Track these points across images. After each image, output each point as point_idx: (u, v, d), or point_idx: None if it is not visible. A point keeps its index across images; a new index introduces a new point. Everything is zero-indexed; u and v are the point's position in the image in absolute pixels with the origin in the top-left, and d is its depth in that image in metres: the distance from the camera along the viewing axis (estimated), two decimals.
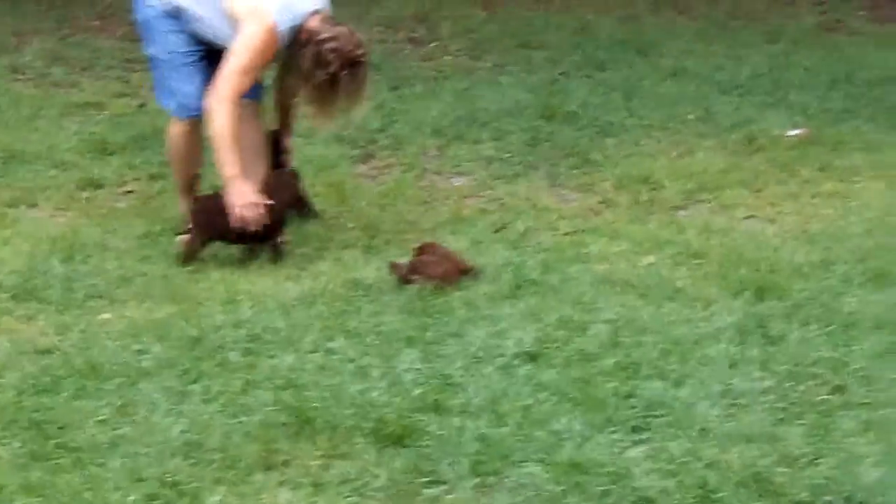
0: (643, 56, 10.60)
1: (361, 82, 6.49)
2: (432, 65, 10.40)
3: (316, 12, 6.52)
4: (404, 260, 6.32)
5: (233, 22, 6.48)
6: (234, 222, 6.40)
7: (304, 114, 6.66)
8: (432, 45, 10.98)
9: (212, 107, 6.45)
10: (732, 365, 5.44)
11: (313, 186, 7.26)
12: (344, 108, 6.52)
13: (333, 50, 6.40)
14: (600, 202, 7.62)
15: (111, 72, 9.77)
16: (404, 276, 6.20)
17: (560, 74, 10.09)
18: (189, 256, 6.47)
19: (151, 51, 6.75)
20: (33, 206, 7.25)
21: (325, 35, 6.43)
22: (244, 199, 6.41)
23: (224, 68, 6.45)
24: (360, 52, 6.46)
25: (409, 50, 10.79)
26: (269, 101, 7.01)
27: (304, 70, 6.43)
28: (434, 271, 6.21)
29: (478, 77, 10.02)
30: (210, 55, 6.68)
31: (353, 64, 6.42)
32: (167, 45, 6.68)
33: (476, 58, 10.66)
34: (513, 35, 11.19)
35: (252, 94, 6.76)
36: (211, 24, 6.57)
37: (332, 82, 6.40)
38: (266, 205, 6.43)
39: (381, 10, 11.72)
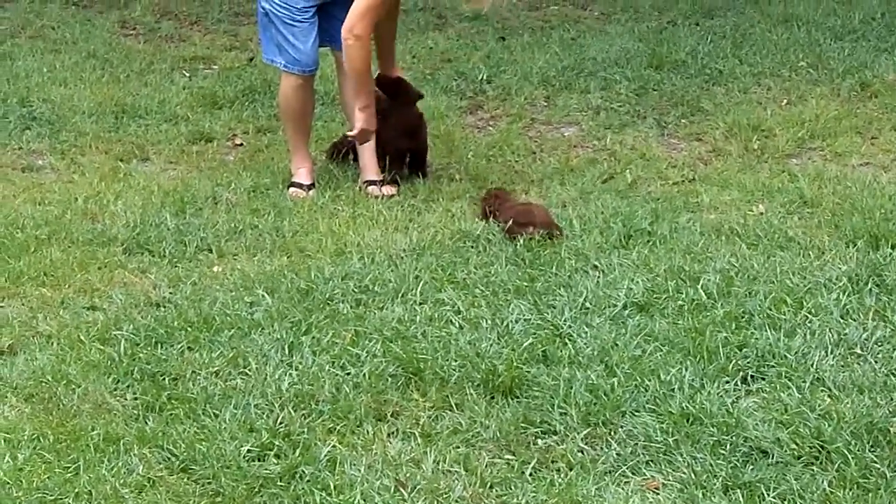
0: (752, 3, 10.44)
1: None
2: (539, 14, 10.33)
3: None
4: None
5: None
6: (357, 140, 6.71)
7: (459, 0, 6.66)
8: None
9: (348, 43, 6.52)
10: (846, 314, 5.35)
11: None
12: None
13: None
14: (710, 151, 7.54)
15: (220, 26, 9.82)
16: (509, 227, 6.17)
17: (668, 23, 9.98)
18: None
19: (265, 4, 6.77)
20: (145, 159, 7.32)
21: None
22: (369, 125, 6.62)
23: (356, 4, 6.48)
24: None
25: (516, 0, 10.72)
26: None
27: None
28: (542, 218, 6.19)
29: (585, 26, 9.94)
30: (323, 9, 6.69)
31: None
32: (282, 1, 6.69)
33: (583, 7, 10.58)
34: None
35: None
36: None
37: None
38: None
39: None
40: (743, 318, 5.33)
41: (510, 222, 6.16)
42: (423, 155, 7.02)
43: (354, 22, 6.50)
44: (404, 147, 6.95)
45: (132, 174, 7.06)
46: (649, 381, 4.83)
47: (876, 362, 4.99)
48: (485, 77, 8.58)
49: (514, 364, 4.94)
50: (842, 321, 5.30)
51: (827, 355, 5.02)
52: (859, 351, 5.08)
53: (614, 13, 10.30)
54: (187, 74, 8.66)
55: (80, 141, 7.46)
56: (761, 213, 6.50)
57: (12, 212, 6.46)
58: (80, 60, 8.73)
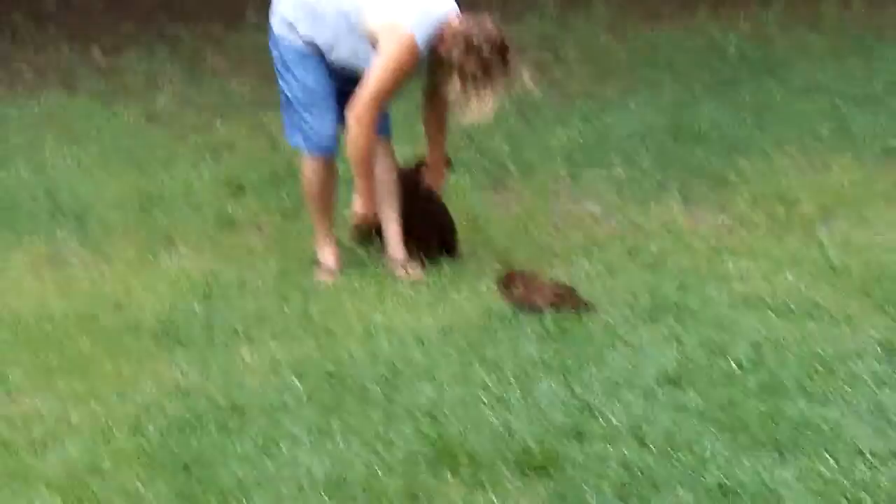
0: (773, 73, 10.46)
1: (513, 65, 6.52)
2: (559, 90, 10.38)
3: (452, 12, 6.56)
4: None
5: (372, 40, 6.53)
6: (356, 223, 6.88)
7: (458, 110, 6.63)
8: (559, 70, 10.95)
9: (350, 126, 6.56)
10: (880, 382, 5.32)
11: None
12: (497, 94, 6.53)
13: (481, 36, 6.46)
14: (735, 221, 7.54)
15: (243, 112, 9.89)
16: (527, 303, 6.17)
17: (689, 95, 10.00)
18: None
19: (285, 88, 6.82)
20: (171, 247, 7.35)
21: (470, 26, 6.49)
22: (369, 210, 6.75)
23: (362, 89, 6.52)
24: (504, 35, 6.53)
25: (536, 76, 10.76)
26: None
27: (454, 62, 6.45)
28: (570, 294, 6.20)
29: (605, 100, 9.97)
30: (342, 92, 6.74)
31: (501, 46, 6.46)
32: (302, 83, 6.74)
33: (603, 81, 10.62)
34: (639, 57, 11.13)
35: (383, 129, 6.82)
36: (349, 48, 6.61)
37: (486, 70, 6.44)
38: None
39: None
40: (775, 388, 5.30)
41: (536, 300, 6.15)
42: (451, 236, 7.02)
43: (357, 107, 6.55)
44: (431, 229, 6.96)
45: (159, 263, 7.08)
46: (683, 454, 4.80)
47: None
48: (507, 154, 8.60)
49: (547, 441, 4.92)
50: (876, 389, 5.27)
51: (862, 424, 4.99)
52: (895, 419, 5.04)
53: (634, 86, 10.33)
54: (211, 162, 8.70)
55: (107, 232, 7.50)
56: (789, 282, 6.48)
57: (41, 305, 6.48)
58: (105, 152, 8.79)
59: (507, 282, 6.33)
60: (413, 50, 6.48)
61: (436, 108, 6.87)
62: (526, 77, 6.79)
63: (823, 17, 12.55)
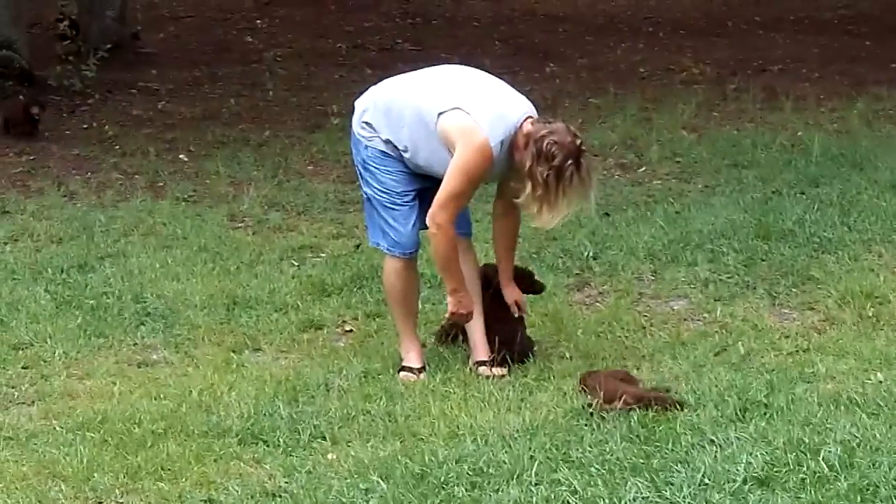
0: (859, 170, 10.40)
1: (587, 173, 6.52)
2: (642, 189, 10.38)
3: (528, 116, 6.58)
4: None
5: (447, 143, 6.58)
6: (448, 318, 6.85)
7: (530, 215, 6.63)
8: (641, 170, 10.96)
9: (430, 232, 6.64)
10: None
11: (529, 316, 7.25)
12: (570, 202, 6.52)
13: (555, 143, 6.46)
14: (823, 320, 7.47)
15: (327, 214, 9.96)
16: (615, 401, 6.14)
17: (773, 192, 9.96)
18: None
19: (367, 190, 6.88)
20: (257, 349, 7.38)
21: (544, 131, 6.50)
22: (462, 307, 6.73)
23: (440, 192, 6.58)
24: (580, 142, 6.52)
25: (619, 176, 10.79)
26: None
27: (527, 169, 6.47)
28: (642, 393, 6.18)
29: (689, 199, 9.95)
30: (422, 194, 6.78)
31: (576, 155, 6.46)
32: (383, 185, 6.80)
33: (686, 180, 10.61)
34: (722, 155, 11.12)
35: (463, 228, 6.85)
36: (427, 151, 6.66)
37: (558, 176, 6.44)
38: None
39: (589, 137, 11.73)
40: (868, 490, 5.21)
41: (624, 398, 6.12)
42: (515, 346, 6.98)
43: (436, 211, 6.61)
44: (512, 329, 6.95)
45: (245, 364, 7.12)
46: None
47: None
48: (591, 254, 8.59)
49: None
50: None
51: None
52: None
53: (718, 185, 10.31)
54: (296, 263, 8.77)
55: (193, 334, 7.56)
56: (880, 382, 6.40)
57: (129, 407, 6.53)
58: (191, 255, 8.88)
59: (594, 381, 6.30)
60: (487, 154, 6.52)
61: (507, 217, 6.88)
62: (593, 196, 6.74)
63: None
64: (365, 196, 6.93)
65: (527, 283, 7.19)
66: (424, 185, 6.75)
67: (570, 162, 6.44)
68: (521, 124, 6.56)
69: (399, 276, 6.92)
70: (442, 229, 6.59)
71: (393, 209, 6.81)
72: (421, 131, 6.65)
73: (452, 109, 6.57)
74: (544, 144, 6.45)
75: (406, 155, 6.73)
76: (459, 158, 6.54)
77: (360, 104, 6.90)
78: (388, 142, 6.75)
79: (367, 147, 6.82)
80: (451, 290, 6.74)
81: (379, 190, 6.82)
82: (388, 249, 6.88)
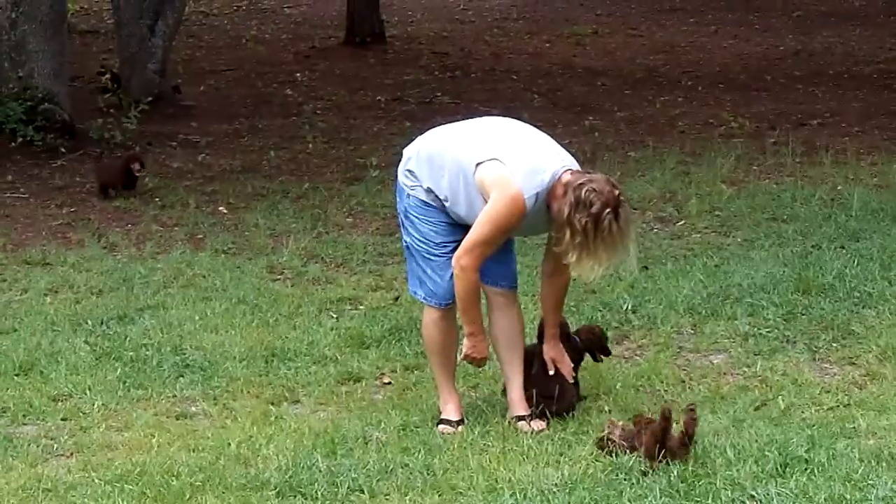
0: None
1: (626, 223, 6.51)
2: (681, 243, 10.36)
3: (567, 169, 6.59)
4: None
5: (484, 193, 6.62)
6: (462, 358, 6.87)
7: (570, 266, 6.61)
8: (680, 223, 10.95)
9: (455, 273, 6.69)
10: None
11: (573, 377, 7.21)
12: (609, 252, 6.50)
13: (594, 191, 6.46)
14: (864, 375, 7.42)
15: (366, 266, 9.98)
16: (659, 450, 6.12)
17: (813, 247, 9.92)
18: None
19: (407, 240, 6.91)
20: (295, 402, 7.39)
21: (582, 180, 6.51)
22: (475, 352, 6.78)
23: (468, 237, 6.64)
24: (619, 193, 6.51)
25: (658, 229, 10.78)
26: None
27: (565, 217, 6.47)
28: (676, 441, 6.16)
29: (728, 253, 9.92)
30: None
31: (615, 204, 6.45)
32: (422, 234, 6.82)
33: (725, 234, 10.59)
34: (761, 209, 11.09)
35: (508, 281, 6.86)
36: (466, 202, 6.69)
37: (596, 224, 6.43)
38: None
39: (628, 190, 11.73)
40: None
41: (671, 447, 6.11)
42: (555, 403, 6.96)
43: (461, 254, 6.66)
44: (555, 383, 6.93)
45: (283, 417, 7.12)
46: None
47: None
48: (630, 307, 8.57)
49: None
50: None
51: None
52: None
53: (758, 239, 10.28)
54: (334, 316, 8.78)
55: (232, 386, 7.57)
56: None
57: (167, 459, 6.53)
58: (230, 307, 8.90)
59: (635, 433, 6.28)
60: (520, 205, 6.54)
61: (556, 276, 6.87)
62: (633, 250, 6.72)
63: None
64: (405, 244, 6.96)
65: (596, 343, 7.15)
66: (464, 237, 6.77)
67: (608, 210, 6.44)
68: (560, 175, 6.57)
69: (437, 326, 6.93)
70: (465, 272, 6.64)
71: (431, 259, 6.83)
72: (460, 181, 6.68)
73: (490, 160, 6.61)
74: (583, 192, 6.46)
75: (447, 204, 6.76)
76: (491, 207, 6.58)
77: (406, 152, 6.95)
78: (429, 191, 6.78)
79: (409, 196, 6.85)
80: (469, 333, 6.79)
81: (418, 239, 6.84)
82: (424, 299, 6.90)
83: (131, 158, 12.24)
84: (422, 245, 6.85)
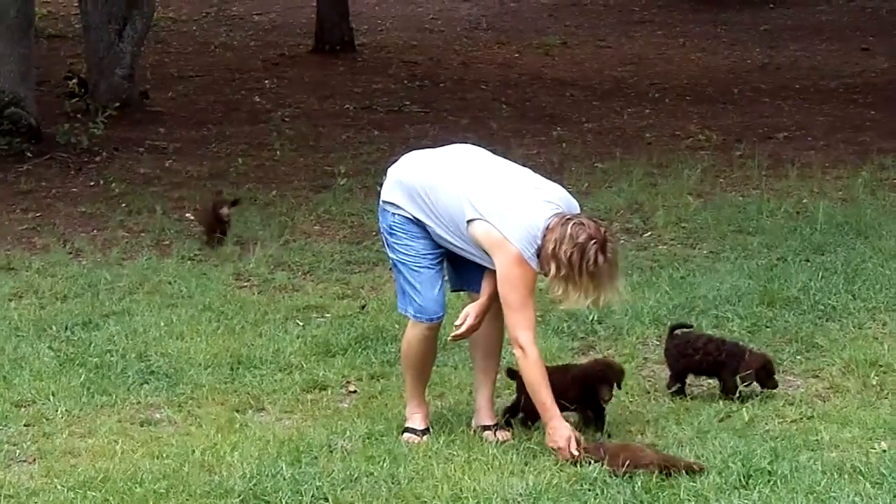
0: (863, 238, 10.42)
1: (613, 259, 6.50)
2: (648, 254, 10.39)
3: (554, 214, 6.55)
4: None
5: (480, 245, 6.60)
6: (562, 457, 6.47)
7: (556, 298, 6.61)
8: (647, 234, 10.98)
9: (517, 357, 6.61)
10: None
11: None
12: (596, 284, 6.48)
13: (581, 224, 6.44)
14: (828, 387, 7.46)
15: (332, 274, 9.97)
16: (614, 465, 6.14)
17: (778, 259, 9.97)
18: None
19: (393, 256, 6.87)
20: (260, 409, 7.37)
21: (570, 216, 6.49)
22: (562, 439, 6.48)
23: (507, 318, 6.59)
24: (605, 230, 6.51)
25: (625, 240, 10.80)
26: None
27: (550, 251, 6.44)
28: (647, 458, 6.16)
29: (694, 264, 9.96)
30: (450, 258, 6.81)
31: (601, 239, 6.44)
32: (409, 247, 6.79)
33: (691, 245, 10.63)
34: (727, 221, 11.14)
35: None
36: (458, 238, 6.68)
37: (581, 255, 6.41)
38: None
39: (595, 201, 11.80)
40: None
41: (642, 461, 6.12)
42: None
43: (513, 336, 6.58)
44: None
45: (248, 425, 7.10)
46: None
47: None
48: (595, 318, 8.59)
49: None
50: None
51: None
52: None
53: (723, 251, 10.32)
54: (301, 324, 8.77)
55: (197, 393, 7.55)
56: (884, 451, 6.38)
57: (131, 466, 6.51)
58: (196, 314, 8.88)
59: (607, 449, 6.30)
60: (525, 265, 6.50)
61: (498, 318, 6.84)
62: (621, 287, 6.69)
63: None
64: (392, 262, 6.93)
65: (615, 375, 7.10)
66: (452, 250, 6.76)
67: (593, 241, 6.42)
68: (549, 222, 6.53)
69: (420, 343, 6.89)
70: (525, 349, 6.54)
71: (418, 272, 6.79)
72: (451, 225, 6.66)
73: (478, 220, 6.57)
74: (569, 226, 6.45)
75: (432, 231, 6.74)
76: (504, 276, 6.54)
77: (390, 175, 6.89)
78: (414, 217, 6.75)
79: (393, 214, 6.82)
80: (547, 419, 6.56)
81: (404, 254, 6.81)
82: (414, 316, 6.85)
83: (218, 203, 10.89)
84: (408, 259, 6.80)
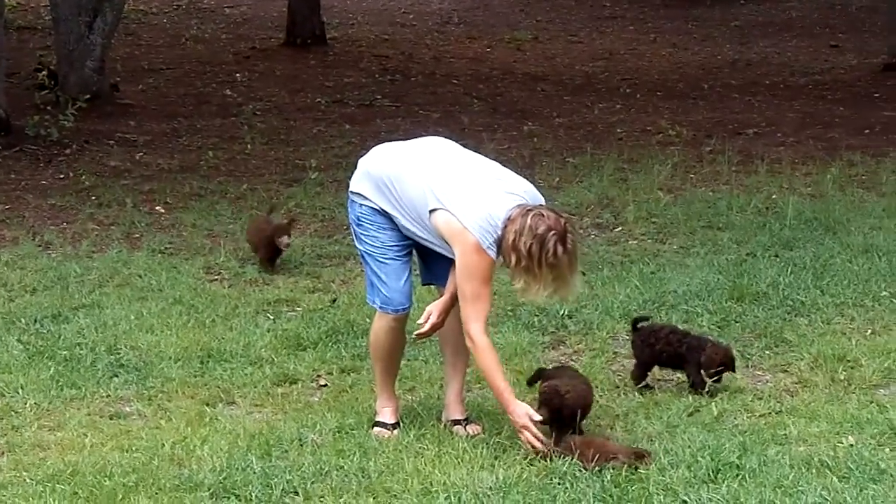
0: (832, 234, 10.48)
1: (573, 251, 6.48)
2: (618, 249, 10.42)
3: (516, 206, 6.55)
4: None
5: (441, 236, 6.60)
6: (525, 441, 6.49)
7: (517, 289, 6.62)
8: (617, 229, 11.01)
9: (469, 346, 6.62)
10: None
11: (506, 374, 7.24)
12: (556, 277, 6.48)
13: (541, 216, 6.42)
14: (796, 382, 7.50)
15: (303, 268, 9.97)
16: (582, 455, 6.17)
17: (747, 255, 10.02)
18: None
19: (360, 247, 6.88)
20: (231, 403, 7.37)
21: (530, 208, 6.48)
22: (523, 417, 6.50)
23: (462, 307, 6.58)
24: (566, 222, 6.50)
25: (595, 235, 10.83)
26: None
27: (511, 243, 6.42)
28: (613, 449, 6.19)
29: (664, 259, 10.00)
30: (419, 250, 6.82)
31: (561, 231, 6.43)
32: (377, 239, 6.80)
33: (661, 241, 10.66)
34: (697, 217, 11.18)
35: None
36: (422, 229, 6.68)
37: (541, 246, 6.39)
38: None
39: (566, 196, 11.83)
40: None
41: (613, 454, 6.14)
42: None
43: (466, 327, 6.58)
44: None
45: (218, 418, 7.10)
46: None
47: None
48: (566, 312, 8.61)
49: None
50: None
51: None
52: None
53: (693, 246, 10.36)
54: (271, 317, 8.77)
55: (167, 386, 7.54)
56: (851, 445, 6.42)
57: (100, 459, 6.50)
58: (166, 307, 8.87)
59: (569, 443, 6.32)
60: (484, 255, 6.49)
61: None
62: (577, 281, 6.68)
63: (880, 178, 12.60)
64: (360, 253, 6.93)
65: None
66: (419, 240, 6.76)
67: (553, 232, 6.41)
68: (511, 213, 6.52)
69: (387, 334, 6.90)
70: (475, 339, 6.55)
71: (385, 264, 6.80)
72: (414, 216, 6.67)
73: (439, 210, 6.57)
74: (529, 218, 6.45)
75: (398, 223, 6.75)
76: (462, 265, 6.54)
77: (359, 166, 6.90)
78: (381, 208, 6.76)
79: (360, 205, 6.83)
80: (506, 403, 6.58)
81: (371, 245, 6.82)
82: (380, 307, 6.85)
83: (278, 231, 9.83)
84: (375, 250, 6.81)
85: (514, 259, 6.45)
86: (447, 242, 6.58)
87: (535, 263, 6.41)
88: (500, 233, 6.48)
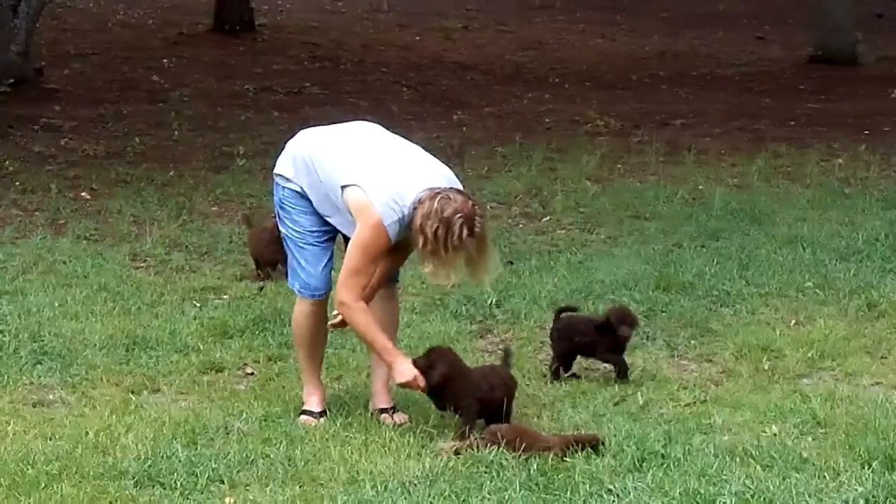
0: (757, 224, 10.57)
1: (481, 236, 6.47)
2: (546, 238, 10.45)
3: (427, 189, 6.54)
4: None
5: (350, 213, 6.60)
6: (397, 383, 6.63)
7: (424, 271, 6.62)
8: (545, 219, 11.05)
9: (341, 310, 6.64)
10: None
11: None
12: (466, 260, 6.48)
13: (448, 199, 6.41)
14: (720, 372, 7.56)
15: (230, 256, 9.92)
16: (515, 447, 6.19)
17: (674, 245, 10.08)
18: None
19: (284, 231, 6.88)
20: (156, 391, 7.32)
21: (438, 191, 6.46)
22: (406, 377, 6.56)
23: (341, 272, 6.60)
24: (474, 205, 6.48)
25: (523, 225, 10.86)
26: None
27: (418, 225, 6.42)
28: (547, 441, 6.21)
29: (591, 249, 10.04)
30: (340, 236, 6.80)
31: (468, 214, 6.42)
32: (298, 223, 6.80)
33: (589, 230, 10.71)
34: (624, 207, 11.24)
35: (390, 277, 6.86)
36: (334, 211, 6.68)
37: (447, 229, 6.39)
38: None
39: (494, 185, 11.85)
40: None
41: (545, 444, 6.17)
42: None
43: (338, 289, 6.61)
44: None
45: (143, 406, 7.04)
46: None
47: None
48: (494, 301, 8.63)
49: None
50: None
51: None
52: None
53: (621, 236, 10.42)
54: (198, 305, 8.72)
55: (91, 374, 7.47)
56: (775, 435, 6.47)
57: (23, 447, 6.43)
58: (91, 294, 8.79)
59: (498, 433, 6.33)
60: (383, 234, 6.51)
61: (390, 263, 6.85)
62: (492, 268, 6.69)
63: (805, 170, 12.72)
64: (283, 236, 6.93)
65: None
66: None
67: (459, 215, 6.39)
68: (420, 196, 6.52)
69: (306, 319, 6.90)
70: (347, 306, 6.59)
71: (305, 248, 6.80)
72: (329, 195, 6.67)
73: (352, 185, 6.57)
74: (436, 200, 6.44)
75: (317, 208, 6.74)
76: (357, 235, 6.57)
77: (286, 148, 6.89)
78: (302, 191, 6.76)
79: (283, 188, 6.83)
80: (389, 363, 6.65)
81: (293, 229, 6.81)
82: (299, 291, 6.86)
83: (277, 229, 9.79)
84: (296, 235, 6.81)
85: (421, 241, 6.45)
86: (356, 219, 6.57)
87: (441, 247, 6.40)
88: (406, 213, 6.49)
